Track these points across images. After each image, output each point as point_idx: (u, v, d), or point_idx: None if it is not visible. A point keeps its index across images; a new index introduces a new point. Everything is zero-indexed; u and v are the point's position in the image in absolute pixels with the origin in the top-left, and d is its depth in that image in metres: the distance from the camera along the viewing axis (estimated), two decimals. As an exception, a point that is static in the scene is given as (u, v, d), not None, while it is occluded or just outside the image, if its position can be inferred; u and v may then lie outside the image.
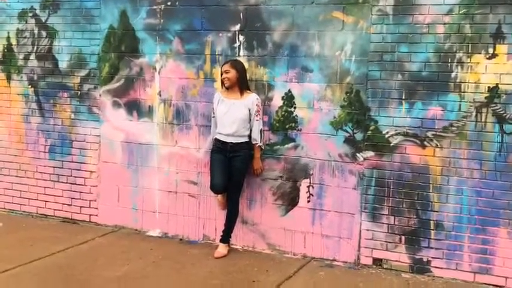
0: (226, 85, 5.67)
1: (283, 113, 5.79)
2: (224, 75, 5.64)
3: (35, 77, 6.96)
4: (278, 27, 5.74)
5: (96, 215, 6.75)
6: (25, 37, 6.99)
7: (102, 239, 6.25)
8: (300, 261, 5.69)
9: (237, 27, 5.90)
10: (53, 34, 6.82)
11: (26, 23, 6.96)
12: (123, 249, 5.93)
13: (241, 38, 5.91)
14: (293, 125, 5.76)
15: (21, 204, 7.17)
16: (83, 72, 6.70)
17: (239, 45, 5.93)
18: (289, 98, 5.75)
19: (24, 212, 7.15)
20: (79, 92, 6.73)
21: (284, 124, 5.79)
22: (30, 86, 7.01)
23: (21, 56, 7.02)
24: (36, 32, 6.93)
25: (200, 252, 5.89)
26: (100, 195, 6.71)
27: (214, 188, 5.75)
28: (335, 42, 5.54)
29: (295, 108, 5.74)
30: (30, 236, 6.25)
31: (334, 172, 5.63)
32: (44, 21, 6.87)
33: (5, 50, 7.10)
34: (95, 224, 6.73)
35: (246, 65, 5.80)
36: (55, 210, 6.97)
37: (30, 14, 6.93)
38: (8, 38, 7.07)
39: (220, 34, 5.99)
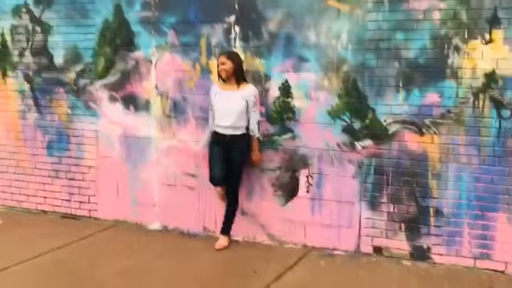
0: (222, 77, 5.65)
1: (280, 103, 5.78)
2: (220, 67, 5.62)
3: (31, 73, 6.94)
4: (273, 17, 5.71)
5: (96, 210, 6.74)
6: (19, 33, 6.96)
7: (102, 234, 6.25)
8: (300, 251, 5.70)
9: (232, 18, 5.88)
10: (47, 29, 6.79)
11: (20, 18, 6.93)
12: (123, 243, 5.94)
13: (236, 29, 5.89)
14: (290, 115, 5.75)
15: (20, 201, 7.16)
16: (79, 67, 6.67)
17: (235, 37, 5.91)
18: (286, 88, 5.74)
19: (23, 209, 7.14)
20: (75, 87, 6.71)
21: (281, 115, 5.78)
22: (26, 82, 6.98)
23: (16, 52, 6.99)
24: (30, 27, 6.89)
25: (201, 244, 5.90)
26: (99, 190, 6.70)
27: (214, 181, 5.76)
28: (331, 31, 5.52)
29: (292, 98, 5.73)
30: (30, 233, 6.24)
31: (333, 161, 5.62)
32: (38, 16, 6.83)
33: (0, 47, 7.06)
34: (95, 219, 6.73)
35: (242, 56, 5.78)
36: (54, 206, 6.96)
37: (24, 10, 6.89)
38: (2, 35, 7.03)
39: (216, 25, 5.96)
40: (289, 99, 5.74)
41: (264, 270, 5.20)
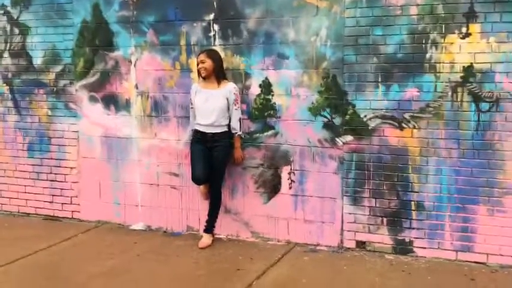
0: (203, 75, 5.64)
1: (261, 100, 5.78)
2: (200, 65, 5.61)
3: (10, 75, 6.88)
4: (252, 14, 5.71)
5: (79, 211, 6.71)
6: (-3, 35, 6.91)
7: (85, 235, 6.22)
8: (284, 247, 5.72)
9: (211, 16, 5.87)
10: (25, 31, 6.73)
11: (-2, 20, 6.88)
12: (106, 244, 5.91)
13: (216, 27, 5.88)
14: (272, 112, 5.76)
15: (2, 204, 7.11)
16: (58, 68, 6.63)
17: (214, 35, 5.90)
18: (266, 86, 5.75)
19: (5, 212, 7.09)
20: (55, 88, 6.66)
21: (263, 112, 5.79)
22: (5, 84, 6.92)
23: (-6, 54, 6.94)
24: (8, 29, 6.83)
25: (184, 243, 5.89)
26: (81, 191, 6.67)
27: (196, 179, 5.75)
28: (310, 27, 5.53)
29: (273, 95, 5.73)
30: (13, 236, 6.20)
31: (315, 158, 5.64)
32: (15, 17, 6.77)
33: (-22, 49, 7.01)
34: (78, 220, 6.69)
35: (222, 54, 5.77)
36: (36, 208, 6.91)
37: (1, 11, 6.83)
38: (-20, 37, 6.97)
39: (195, 24, 5.95)
40: (270, 97, 5.74)
41: (247, 268, 5.21)
